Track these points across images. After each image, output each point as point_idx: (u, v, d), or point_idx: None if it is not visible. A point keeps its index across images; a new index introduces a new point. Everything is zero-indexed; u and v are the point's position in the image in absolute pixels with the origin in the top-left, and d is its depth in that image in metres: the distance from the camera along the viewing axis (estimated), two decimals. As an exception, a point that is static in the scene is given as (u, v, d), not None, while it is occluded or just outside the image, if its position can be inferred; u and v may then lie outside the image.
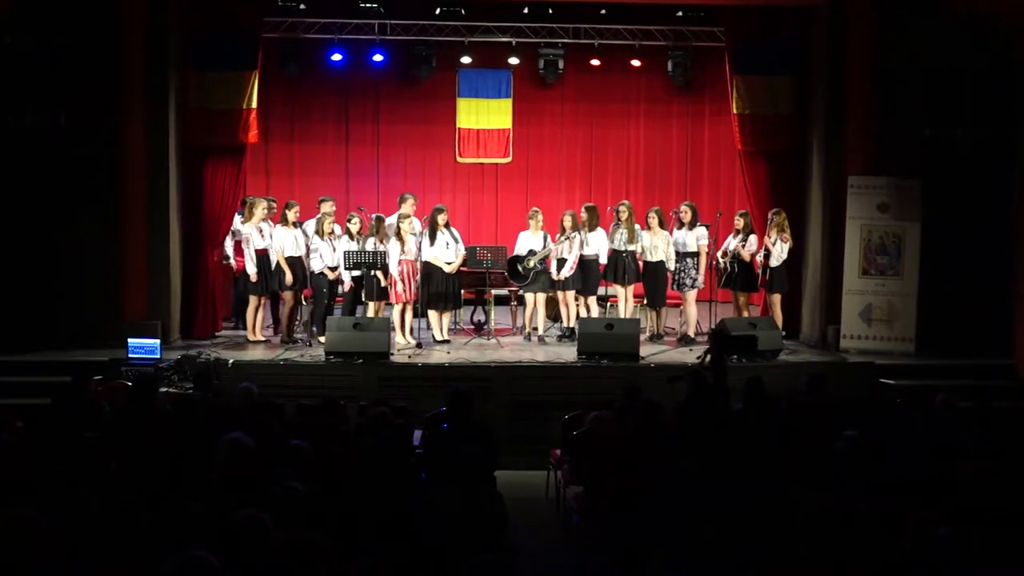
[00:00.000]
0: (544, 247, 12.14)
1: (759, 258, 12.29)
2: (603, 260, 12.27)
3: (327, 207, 12.21)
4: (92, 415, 7.72)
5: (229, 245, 12.67)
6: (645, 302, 12.65)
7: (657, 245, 12.28)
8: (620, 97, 16.09)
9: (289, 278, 11.83)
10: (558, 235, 12.17)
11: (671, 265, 12.35)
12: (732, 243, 12.46)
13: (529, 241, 12.28)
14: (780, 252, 12.12)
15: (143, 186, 11.89)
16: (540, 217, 12.38)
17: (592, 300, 12.39)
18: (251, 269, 11.84)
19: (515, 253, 12.26)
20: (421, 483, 6.46)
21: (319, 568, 4.17)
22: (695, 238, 12.40)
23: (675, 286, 12.52)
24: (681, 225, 12.51)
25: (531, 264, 12.10)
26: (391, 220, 12.19)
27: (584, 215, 12.27)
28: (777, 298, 12.26)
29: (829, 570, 4.77)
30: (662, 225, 12.39)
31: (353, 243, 11.89)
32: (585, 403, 9.13)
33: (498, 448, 7.57)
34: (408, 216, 12.07)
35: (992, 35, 11.71)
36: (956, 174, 12.02)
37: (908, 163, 12.03)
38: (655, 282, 12.39)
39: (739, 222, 12.47)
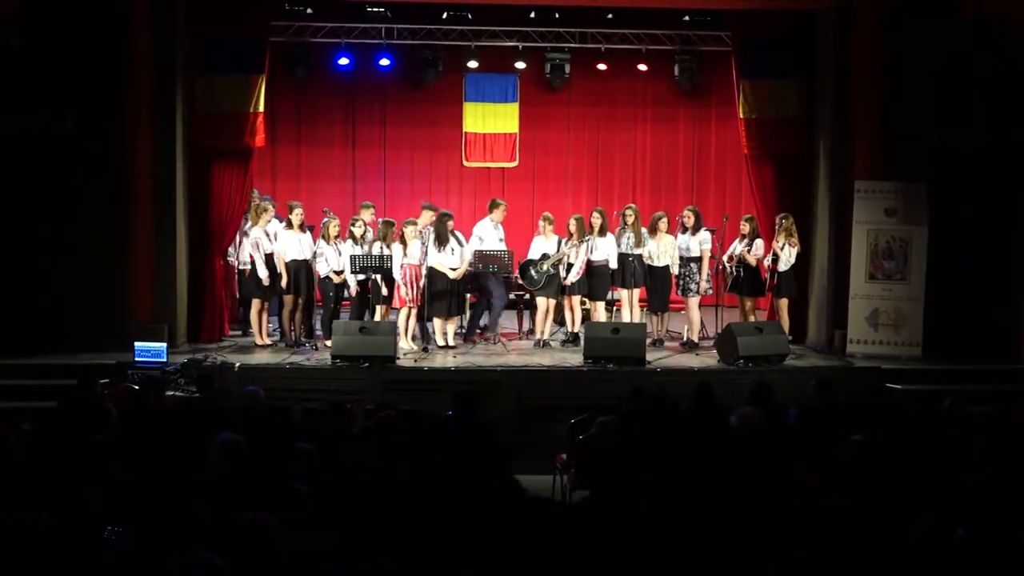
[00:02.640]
0: (557, 251, 12.11)
1: (767, 263, 12.23)
2: (613, 265, 12.20)
3: (367, 215, 12.41)
4: (98, 418, 7.69)
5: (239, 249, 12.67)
6: (648, 306, 12.63)
7: (664, 250, 12.26)
8: (627, 101, 16.04)
9: (284, 281, 11.83)
10: (565, 239, 12.16)
11: (675, 270, 12.32)
12: (738, 248, 12.43)
13: (543, 246, 12.23)
14: (788, 257, 12.06)
15: (150, 189, 11.88)
16: (553, 221, 12.33)
17: (600, 305, 12.35)
18: (262, 273, 11.84)
19: (528, 257, 12.22)
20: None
21: (324, 570, 4.16)
22: (699, 243, 12.37)
23: (679, 291, 12.49)
24: (685, 229, 12.48)
25: (544, 268, 12.06)
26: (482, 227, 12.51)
27: (596, 219, 12.22)
28: (784, 303, 12.20)
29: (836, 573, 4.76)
30: (667, 230, 12.37)
31: (358, 247, 11.88)
32: (591, 407, 9.02)
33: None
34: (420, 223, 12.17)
35: (999, 37, 11.65)
36: (963, 177, 11.97)
37: (915, 167, 11.97)
38: (659, 287, 12.36)
39: (745, 227, 12.41)
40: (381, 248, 11.77)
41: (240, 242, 12.55)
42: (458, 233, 12.29)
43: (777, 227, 12.18)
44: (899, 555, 4.86)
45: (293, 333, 12.08)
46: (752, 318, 12.31)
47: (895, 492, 5.83)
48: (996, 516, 5.15)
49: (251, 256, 11.98)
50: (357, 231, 11.96)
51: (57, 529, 4.39)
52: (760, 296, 12.58)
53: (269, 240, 11.92)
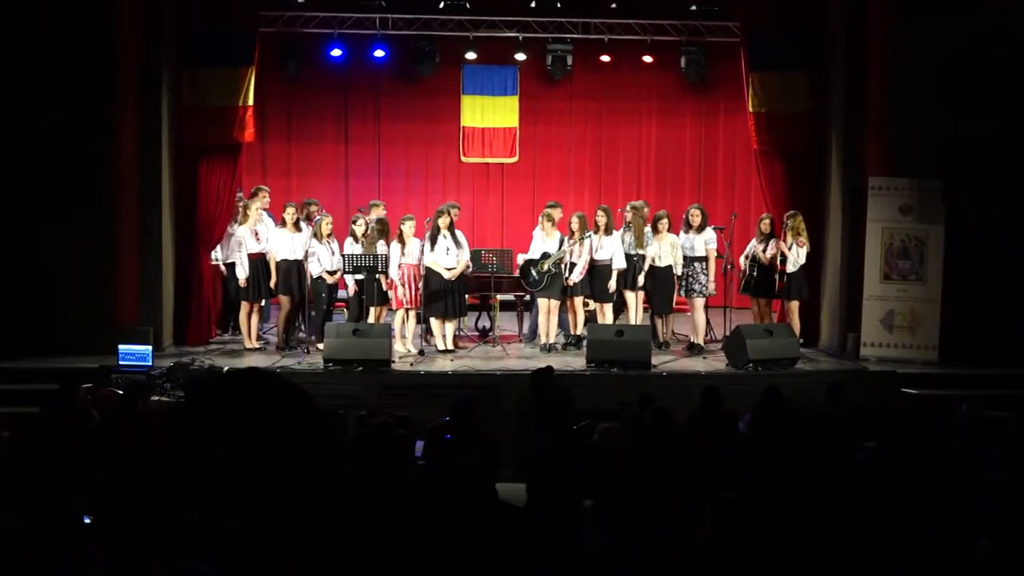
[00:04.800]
0: (559, 250, 11.72)
1: (778, 263, 11.90)
2: (620, 264, 11.79)
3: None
4: (80, 424, 7.58)
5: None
6: (651, 308, 12.30)
7: (666, 250, 11.92)
8: (631, 94, 15.77)
9: (273, 281, 11.63)
10: (567, 236, 11.79)
11: (678, 270, 11.98)
12: (756, 247, 12.07)
13: (543, 243, 11.84)
14: (797, 257, 11.74)
15: (136, 186, 11.63)
16: (556, 217, 11.96)
17: (607, 307, 11.95)
18: (241, 274, 11.62)
19: (528, 256, 11.86)
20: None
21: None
22: (703, 242, 12.06)
23: (683, 292, 12.13)
24: (689, 228, 12.16)
25: (545, 268, 11.67)
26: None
27: (600, 217, 11.84)
28: (795, 305, 11.89)
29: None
30: (669, 229, 12.04)
31: (357, 246, 11.59)
32: (594, 413, 8.75)
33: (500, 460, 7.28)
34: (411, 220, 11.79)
35: (1016, 28, 11.42)
36: (980, 174, 11.67)
37: (930, 163, 11.71)
38: (662, 288, 12.03)
39: (765, 226, 12.02)
40: (378, 247, 11.52)
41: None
42: (458, 232, 11.92)
43: (784, 226, 11.86)
44: (917, 563, 4.84)
45: (286, 335, 11.81)
46: (765, 320, 11.97)
47: (911, 500, 5.80)
48: (1015, 524, 5.14)
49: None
50: (358, 229, 11.68)
51: (41, 538, 4.35)
52: (773, 297, 12.25)
53: (256, 240, 11.64)
